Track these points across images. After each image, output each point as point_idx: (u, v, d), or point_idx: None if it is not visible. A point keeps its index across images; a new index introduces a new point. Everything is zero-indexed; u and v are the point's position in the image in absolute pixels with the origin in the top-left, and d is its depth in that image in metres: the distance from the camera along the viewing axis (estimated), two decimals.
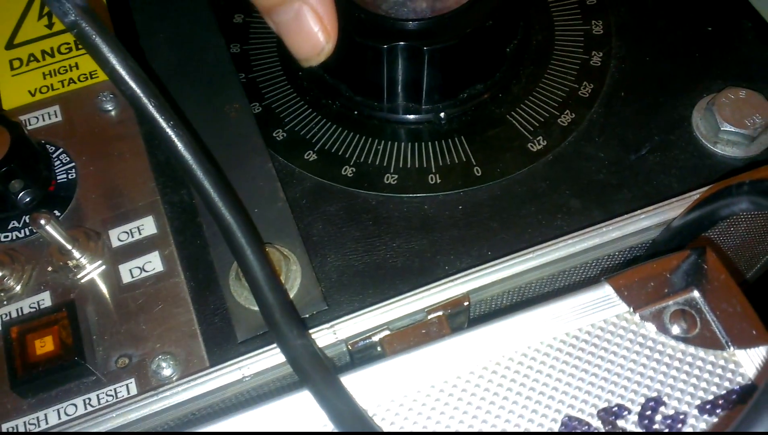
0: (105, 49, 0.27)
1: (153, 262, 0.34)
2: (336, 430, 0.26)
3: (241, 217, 0.29)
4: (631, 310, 0.28)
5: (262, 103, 0.40)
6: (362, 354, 0.31)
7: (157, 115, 0.28)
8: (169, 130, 0.28)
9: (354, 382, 0.27)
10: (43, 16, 0.44)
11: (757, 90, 0.36)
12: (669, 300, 0.28)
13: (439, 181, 0.36)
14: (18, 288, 0.33)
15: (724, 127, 0.35)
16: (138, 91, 0.27)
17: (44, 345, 0.30)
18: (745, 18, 0.40)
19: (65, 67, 0.41)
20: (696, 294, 0.28)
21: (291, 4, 0.31)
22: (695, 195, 0.33)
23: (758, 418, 0.18)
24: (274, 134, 0.39)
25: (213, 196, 0.29)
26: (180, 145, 0.28)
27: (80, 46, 0.41)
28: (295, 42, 0.32)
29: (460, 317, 0.32)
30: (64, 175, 0.37)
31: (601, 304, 0.28)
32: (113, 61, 0.27)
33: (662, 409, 0.26)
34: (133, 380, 0.31)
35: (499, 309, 0.35)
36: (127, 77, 0.27)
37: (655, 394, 0.26)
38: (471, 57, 0.37)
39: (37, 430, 0.30)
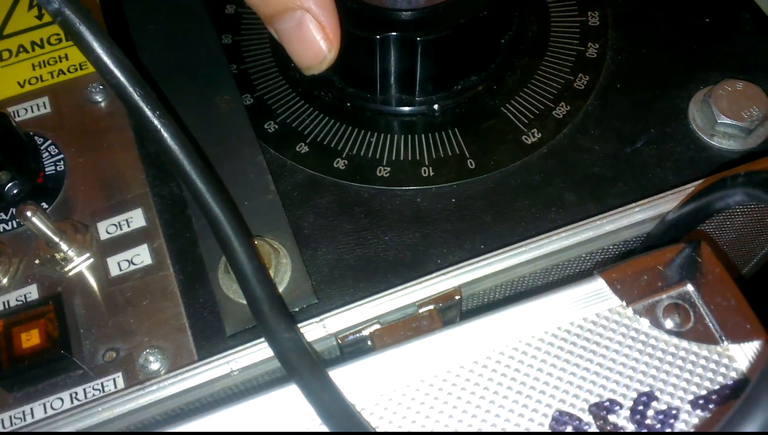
0: (89, 38, 0.26)
1: (141, 255, 0.34)
2: (323, 424, 0.26)
3: (228, 209, 0.28)
4: (624, 303, 0.28)
5: (254, 94, 0.39)
6: (352, 348, 0.31)
7: (142, 105, 0.27)
8: (154, 120, 0.27)
9: (342, 376, 0.27)
10: (33, 7, 0.44)
11: (754, 82, 0.36)
12: (662, 294, 0.28)
13: (432, 173, 0.36)
14: (5, 281, 0.33)
15: (720, 120, 0.35)
16: (123, 79, 0.27)
17: (30, 338, 0.30)
18: (743, 9, 0.40)
19: (55, 58, 0.41)
20: (690, 288, 0.28)
21: (293, 13, 0.30)
22: (691, 188, 0.33)
23: (748, 416, 0.18)
24: (265, 126, 0.38)
25: (199, 187, 0.28)
26: (166, 135, 0.28)
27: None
28: (297, 50, 0.32)
29: (452, 311, 0.32)
30: (53, 167, 0.37)
31: (594, 298, 0.28)
32: (98, 49, 0.26)
33: (654, 404, 0.25)
34: (120, 374, 0.31)
35: (493, 303, 0.34)
36: (111, 66, 0.27)
37: (647, 389, 0.26)
38: (465, 48, 0.37)
39: (22, 423, 0.30)
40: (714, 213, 0.29)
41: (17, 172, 0.35)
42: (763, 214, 0.34)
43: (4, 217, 0.35)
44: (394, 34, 0.35)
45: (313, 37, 0.31)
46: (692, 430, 0.25)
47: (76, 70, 0.40)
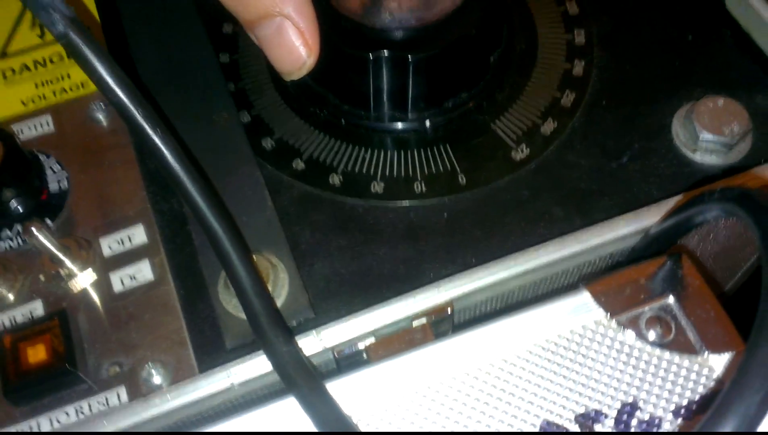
0: (93, 59, 0.27)
1: (143, 271, 0.35)
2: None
3: (227, 225, 0.29)
4: (608, 315, 0.29)
5: (251, 112, 0.40)
6: (348, 360, 0.32)
7: (144, 124, 0.28)
8: (156, 139, 0.28)
9: (339, 389, 0.28)
10: (36, 25, 0.45)
11: (735, 98, 0.37)
12: (645, 306, 0.29)
13: (424, 188, 0.37)
14: (11, 297, 0.34)
15: (702, 135, 0.36)
16: (125, 99, 0.28)
17: (37, 353, 0.31)
18: (724, 27, 0.41)
19: (57, 76, 0.42)
20: (671, 300, 0.29)
21: (272, 19, 0.31)
22: (673, 202, 0.34)
23: (719, 423, 0.19)
24: (262, 143, 0.39)
25: (200, 204, 0.29)
26: (167, 153, 0.29)
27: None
28: (277, 56, 0.33)
29: (444, 324, 0.33)
30: (56, 185, 0.38)
31: (580, 310, 0.29)
32: (101, 70, 0.27)
33: (638, 413, 0.27)
34: (123, 388, 0.32)
35: (484, 315, 0.35)
36: (114, 86, 0.28)
37: (631, 399, 0.27)
38: (455, 66, 0.38)
39: None
40: (693, 227, 0.30)
41: (22, 189, 0.36)
42: (745, 227, 0.36)
43: (9, 234, 0.36)
44: (386, 52, 0.36)
45: (292, 43, 0.32)
46: None
47: (79, 88, 0.41)
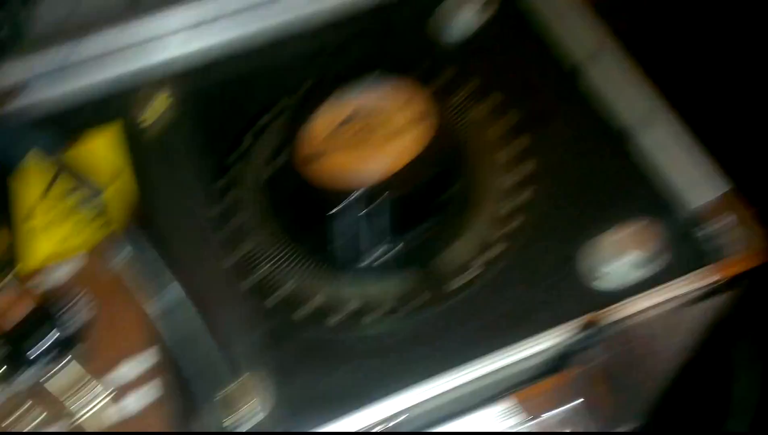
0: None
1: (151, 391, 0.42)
2: None
3: None
4: (531, 417, 0.37)
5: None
6: None
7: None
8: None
9: None
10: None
11: (638, 231, 0.45)
12: (560, 407, 0.37)
13: (382, 316, 0.45)
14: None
15: (603, 265, 0.45)
16: None
17: None
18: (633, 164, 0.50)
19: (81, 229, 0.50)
20: (580, 401, 0.37)
21: None
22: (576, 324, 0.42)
23: None
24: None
25: None
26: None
27: (91, 218, 0.51)
28: None
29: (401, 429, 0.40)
30: (77, 321, 0.45)
31: (508, 414, 0.37)
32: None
33: None
34: None
35: (435, 419, 0.43)
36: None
37: None
38: (409, 211, 0.47)
39: None
40: (586, 348, 0.38)
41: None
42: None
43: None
44: (341, 211, 0.45)
45: None
46: None
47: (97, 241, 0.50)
